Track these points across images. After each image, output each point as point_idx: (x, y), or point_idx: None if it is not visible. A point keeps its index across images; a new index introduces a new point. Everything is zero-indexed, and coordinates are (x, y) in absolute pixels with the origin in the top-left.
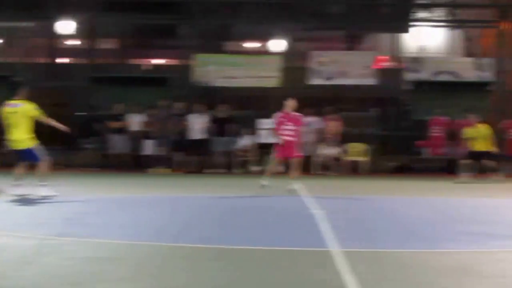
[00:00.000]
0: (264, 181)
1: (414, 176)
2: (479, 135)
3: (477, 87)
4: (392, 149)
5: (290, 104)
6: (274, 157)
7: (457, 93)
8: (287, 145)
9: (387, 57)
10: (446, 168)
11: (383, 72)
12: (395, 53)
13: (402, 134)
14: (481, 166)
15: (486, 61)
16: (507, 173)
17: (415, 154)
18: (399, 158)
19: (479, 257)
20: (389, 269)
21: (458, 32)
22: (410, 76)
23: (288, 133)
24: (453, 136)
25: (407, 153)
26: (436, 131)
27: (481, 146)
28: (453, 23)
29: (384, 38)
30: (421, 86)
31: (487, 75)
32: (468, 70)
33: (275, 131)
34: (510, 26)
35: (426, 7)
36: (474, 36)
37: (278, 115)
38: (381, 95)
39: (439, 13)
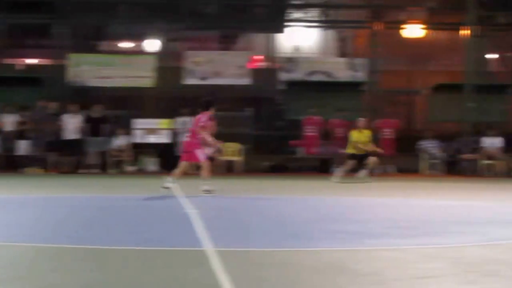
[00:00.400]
0: (169, 183)
1: (289, 176)
2: (363, 139)
3: (350, 87)
4: (266, 148)
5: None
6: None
7: (330, 93)
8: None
9: (261, 57)
10: (320, 168)
11: (258, 72)
12: (270, 53)
13: (276, 133)
14: (360, 166)
15: (359, 61)
16: (381, 172)
17: (290, 153)
18: (273, 157)
19: (353, 255)
20: (264, 268)
21: (331, 33)
22: (284, 76)
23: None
24: (327, 135)
25: (282, 153)
26: (310, 131)
27: (363, 149)
28: (326, 23)
29: (258, 38)
30: (295, 86)
31: (360, 75)
32: (342, 70)
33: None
34: (383, 27)
35: (300, 7)
36: (348, 37)
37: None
38: (256, 95)
39: (313, 13)
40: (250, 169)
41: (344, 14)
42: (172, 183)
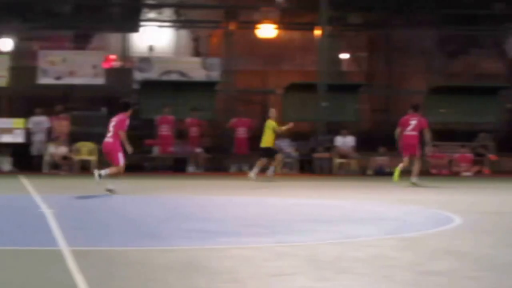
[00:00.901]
0: (111, 185)
1: (144, 175)
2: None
3: (205, 87)
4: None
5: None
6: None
7: (185, 92)
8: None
9: (116, 57)
10: (174, 167)
11: (113, 72)
12: (124, 53)
13: (131, 133)
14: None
15: (213, 61)
16: (236, 171)
17: (145, 152)
18: (129, 157)
19: (208, 253)
20: (118, 267)
21: (186, 32)
22: (139, 75)
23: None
24: (182, 135)
25: (137, 152)
26: (164, 130)
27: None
28: (181, 23)
29: (113, 37)
30: (149, 85)
31: (214, 75)
32: (196, 70)
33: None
34: (237, 27)
35: (155, 7)
36: (202, 36)
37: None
38: (110, 94)
39: (167, 13)
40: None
41: (198, 14)
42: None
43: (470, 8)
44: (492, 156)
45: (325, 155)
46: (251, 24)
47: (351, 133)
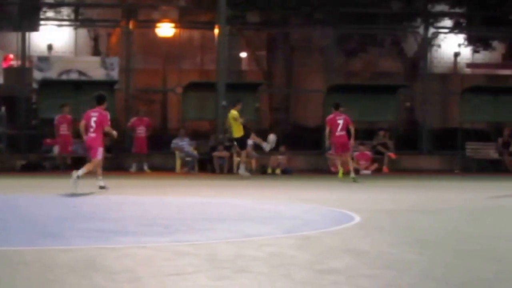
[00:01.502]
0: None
1: (43, 175)
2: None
3: (104, 86)
4: (20, 147)
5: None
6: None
7: (85, 91)
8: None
9: (15, 56)
10: (73, 166)
11: (11, 71)
12: (23, 52)
13: (30, 132)
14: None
15: (113, 60)
16: (137, 170)
17: (44, 152)
18: (27, 156)
19: (107, 253)
20: (16, 267)
21: (85, 31)
22: (37, 75)
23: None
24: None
25: (36, 151)
26: (63, 130)
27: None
28: (79, 22)
29: (11, 36)
30: (48, 85)
31: (114, 74)
32: (96, 69)
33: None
34: (136, 26)
35: (53, 6)
36: (101, 35)
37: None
38: (9, 94)
39: (66, 12)
40: (4, 168)
41: (98, 12)
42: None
43: (369, 7)
44: (391, 154)
45: (225, 154)
46: (150, 23)
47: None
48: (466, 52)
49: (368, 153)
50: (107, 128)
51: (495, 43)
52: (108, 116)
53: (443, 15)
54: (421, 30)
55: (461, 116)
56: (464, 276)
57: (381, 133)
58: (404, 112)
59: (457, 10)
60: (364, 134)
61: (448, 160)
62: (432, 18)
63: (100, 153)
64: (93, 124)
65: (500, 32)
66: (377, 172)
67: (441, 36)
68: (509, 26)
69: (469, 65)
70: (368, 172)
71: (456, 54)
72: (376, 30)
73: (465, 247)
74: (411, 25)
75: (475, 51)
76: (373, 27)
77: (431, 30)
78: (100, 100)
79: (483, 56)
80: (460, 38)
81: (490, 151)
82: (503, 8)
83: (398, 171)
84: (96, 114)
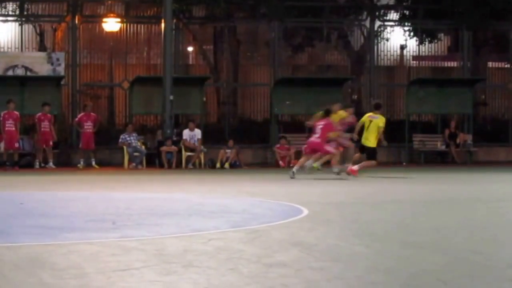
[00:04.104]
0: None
1: None
2: None
3: (50, 81)
4: None
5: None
6: None
7: (31, 87)
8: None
9: None
10: (20, 163)
11: None
12: None
13: None
14: None
15: (59, 55)
16: (84, 166)
17: None
18: None
19: (53, 249)
20: None
21: (30, 27)
22: None
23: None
24: (28, 130)
25: None
26: (9, 126)
27: None
28: (25, 17)
29: None
30: None
31: (60, 69)
32: (42, 64)
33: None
34: (82, 20)
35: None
36: (47, 31)
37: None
38: None
39: (11, 7)
40: None
41: (43, 7)
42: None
43: (315, 1)
44: (340, 147)
45: (173, 148)
46: (96, 18)
47: (198, 126)
48: (412, 45)
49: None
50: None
51: (440, 36)
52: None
53: (388, 8)
54: (367, 23)
55: (407, 109)
56: (412, 268)
57: None
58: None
59: (403, 3)
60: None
61: (395, 152)
62: (378, 11)
63: None
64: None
65: (445, 24)
66: (326, 165)
67: (387, 29)
68: (453, 18)
69: (415, 57)
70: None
71: (402, 47)
72: (322, 23)
73: (412, 239)
74: (357, 18)
75: (420, 43)
76: (319, 20)
77: (377, 23)
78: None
79: (428, 48)
80: (406, 31)
81: (437, 143)
82: (448, 0)
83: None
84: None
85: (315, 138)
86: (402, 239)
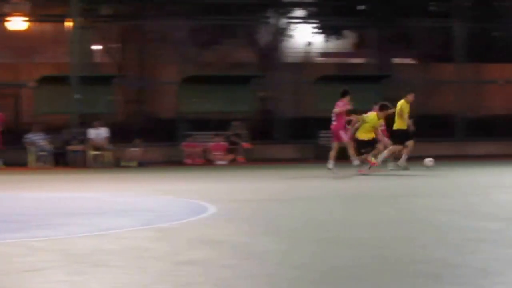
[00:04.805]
0: None
1: None
2: None
3: None
4: None
5: None
6: None
7: None
8: None
9: None
10: None
11: None
12: None
13: None
14: None
15: None
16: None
17: None
18: None
19: None
20: None
21: None
22: None
23: None
24: None
25: None
26: None
27: None
28: None
29: None
30: None
31: None
32: None
33: None
34: None
35: None
36: None
37: None
38: None
39: None
40: None
41: None
42: None
43: None
44: (245, 145)
45: (79, 147)
46: (1, 17)
47: (105, 124)
48: (318, 42)
49: (223, 144)
50: None
51: (346, 32)
52: None
53: (295, 5)
54: (273, 20)
55: (314, 105)
56: (323, 265)
57: (236, 123)
58: (258, 102)
59: (310, 0)
60: (219, 125)
61: (302, 148)
62: (284, 8)
63: None
64: None
65: (352, 21)
66: (233, 163)
67: (294, 26)
68: (358, 15)
69: (321, 54)
70: (223, 162)
71: (309, 44)
72: (229, 21)
73: (323, 235)
74: (263, 16)
75: (327, 40)
76: (226, 18)
77: (284, 20)
78: None
79: (334, 45)
80: (313, 27)
81: None
82: None
83: (253, 161)
84: None
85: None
86: (313, 236)
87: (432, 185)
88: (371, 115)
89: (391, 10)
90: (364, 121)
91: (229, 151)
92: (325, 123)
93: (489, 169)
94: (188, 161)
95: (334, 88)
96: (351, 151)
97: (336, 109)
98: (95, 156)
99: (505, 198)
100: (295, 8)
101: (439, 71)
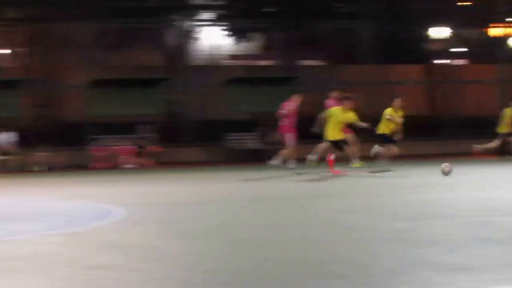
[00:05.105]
0: None
1: None
2: None
3: None
4: None
5: None
6: None
7: None
8: None
9: None
10: None
11: None
12: None
13: None
14: None
15: None
16: None
17: None
18: None
19: None
20: None
21: None
22: None
23: None
24: None
25: None
26: None
27: None
28: None
29: None
30: None
31: None
32: None
33: None
34: None
35: None
36: None
37: None
38: None
39: None
40: None
41: None
42: None
43: (129, 1)
44: (154, 148)
45: None
46: None
47: (11, 129)
48: (227, 44)
49: (131, 147)
50: None
51: (254, 35)
52: None
53: (202, 8)
54: (181, 23)
55: (221, 108)
56: (234, 267)
57: (143, 126)
58: (166, 105)
59: (217, 2)
60: (126, 128)
61: (211, 151)
62: (191, 11)
63: None
64: None
65: (258, 23)
66: (142, 166)
67: (201, 28)
68: (266, 17)
69: (230, 56)
70: (132, 166)
71: (217, 46)
72: (136, 24)
73: (234, 238)
74: (171, 18)
75: (235, 42)
76: (133, 20)
77: (191, 23)
78: None
79: (243, 47)
80: (221, 30)
81: (251, 141)
82: (262, 1)
83: (162, 163)
84: None
85: None
86: (223, 238)
87: (345, 186)
88: (334, 109)
89: (298, 12)
90: (329, 116)
91: (137, 154)
92: (234, 125)
93: (399, 169)
94: (96, 165)
95: (242, 90)
96: (288, 154)
97: (283, 111)
98: (3, 160)
99: (413, 198)
100: (202, 11)
101: (346, 72)
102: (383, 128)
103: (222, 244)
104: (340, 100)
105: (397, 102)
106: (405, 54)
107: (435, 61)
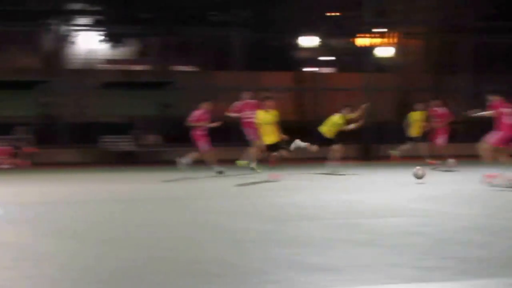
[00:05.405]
0: None
1: None
2: None
3: None
4: None
5: None
6: None
7: None
8: None
9: None
10: None
11: None
12: None
13: None
14: None
15: None
16: None
17: None
18: None
19: None
20: None
21: None
22: None
23: None
24: None
25: None
26: None
27: None
28: None
29: None
30: None
31: None
32: None
33: None
34: None
35: None
36: None
37: None
38: None
39: None
40: None
41: None
42: None
43: (7, 5)
44: (29, 149)
45: None
46: None
47: None
48: (103, 49)
49: (7, 148)
50: None
51: (129, 40)
52: None
53: (80, 13)
54: (58, 27)
55: (97, 111)
56: (106, 266)
57: (18, 128)
58: (42, 107)
59: (94, 8)
60: (3, 129)
61: (86, 153)
62: (69, 16)
63: None
64: None
65: (133, 29)
66: (17, 166)
67: (77, 33)
68: (141, 24)
69: (106, 61)
70: (7, 166)
71: (94, 51)
72: (14, 27)
73: (111, 236)
74: (48, 22)
75: (111, 47)
76: (9, 24)
77: (68, 28)
78: None
79: (119, 52)
80: (97, 35)
81: (125, 144)
82: (136, 7)
83: (38, 164)
84: None
85: None
86: (98, 237)
87: (217, 188)
88: (260, 113)
89: (172, 19)
90: (261, 122)
91: (13, 155)
92: (107, 128)
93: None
94: None
95: (118, 94)
96: (206, 157)
97: (192, 118)
98: None
99: (279, 201)
100: (79, 16)
101: (218, 78)
102: (325, 130)
103: (95, 243)
104: (261, 101)
105: (345, 110)
106: (276, 62)
107: (304, 69)
